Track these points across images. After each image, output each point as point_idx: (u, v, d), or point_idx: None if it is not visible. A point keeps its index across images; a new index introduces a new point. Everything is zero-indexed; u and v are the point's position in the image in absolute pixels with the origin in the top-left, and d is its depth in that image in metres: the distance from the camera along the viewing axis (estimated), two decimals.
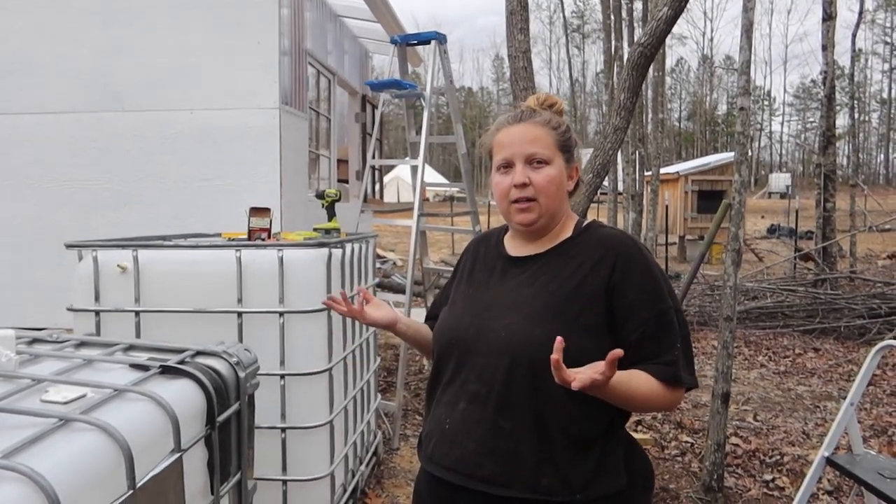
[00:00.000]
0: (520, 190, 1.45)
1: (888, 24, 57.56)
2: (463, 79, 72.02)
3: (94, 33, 4.96)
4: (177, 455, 1.58)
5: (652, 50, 3.83)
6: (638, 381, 1.33)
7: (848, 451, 2.71)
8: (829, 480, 3.72)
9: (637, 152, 13.31)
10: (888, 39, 58.32)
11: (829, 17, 10.31)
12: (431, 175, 36.27)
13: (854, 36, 13.26)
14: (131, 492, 1.39)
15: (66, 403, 1.48)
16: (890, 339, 5.36)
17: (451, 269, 1.75)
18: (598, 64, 52.53)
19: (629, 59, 3.87)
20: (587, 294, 1.39)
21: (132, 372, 1.74)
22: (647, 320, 1.37)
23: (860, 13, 13.37)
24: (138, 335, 2.65)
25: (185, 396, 1.69)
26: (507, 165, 1.47)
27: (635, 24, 13.40)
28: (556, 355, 1.15)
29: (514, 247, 1.55)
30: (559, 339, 1.15)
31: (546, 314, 1.38)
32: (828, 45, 10.33)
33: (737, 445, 4.28)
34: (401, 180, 31.29)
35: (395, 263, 12.98)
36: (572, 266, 1.43)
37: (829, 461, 2.53)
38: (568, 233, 1.51)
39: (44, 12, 5.00)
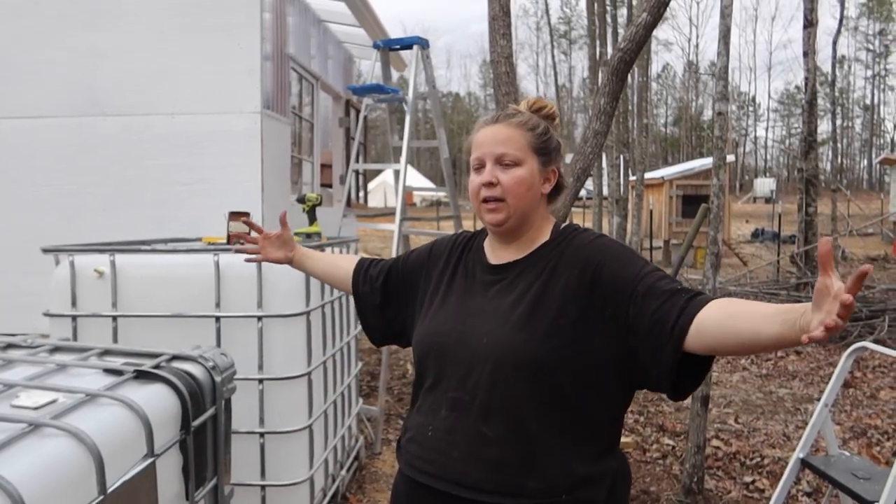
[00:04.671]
0: (488, 189, 1.44)
1: (870, 32, 58.34)
2: (450, 84, 72.22)
3: (73, 38, 4.93)
4: (150, 460, 1.58)
5: (632, 55, 3.85)
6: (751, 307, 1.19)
7: (825, 452, 2.74)
8: (808, 482, 3.76)
9: (622, 157, 13.39)
10: (870, 46, 59.11)
11: (810, 23, 10.42)
12: (418, 180, 36.29)
13: (835, 43, 13.42)
14: (102, 497, 1.39)
15: (36, 409, 1.47)
16: (869, 341, 5.42)
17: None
18: (584, 69, 52.77)
19: (609, 63, 3.90)
20: (565, 296, 1.38)
21: (106, 377, 1.73)
22: (634, 289, 1.32)
23: (840, 20, 13.54)
24: (115, 340, 2.63)
25: (158, 401, 1.69)
26: (480, 165, 1.47)
27: (619, 30, 13.50)
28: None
29: (494, 252, 1.54)
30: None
31: (527, 321, 1.38)
32: (809, 52, 10.45)
33: (718, 448, 4.31)
34: (387, 185, 31.29)
35: None
36: (550, 272, 1.43)
37: (805, 462, 2.56)
38: (545, 237, 1.50)
39: (23, 17, 4.97)
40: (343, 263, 1.88)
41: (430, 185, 33.80)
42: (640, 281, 1.33)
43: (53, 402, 1.51)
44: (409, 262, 1.71)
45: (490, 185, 1.44)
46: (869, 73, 60.73)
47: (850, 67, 59.21)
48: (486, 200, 1.45)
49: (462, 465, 1.39)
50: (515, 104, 1.57)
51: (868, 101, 61.57)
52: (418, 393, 1.54)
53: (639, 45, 3.75)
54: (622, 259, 1.39)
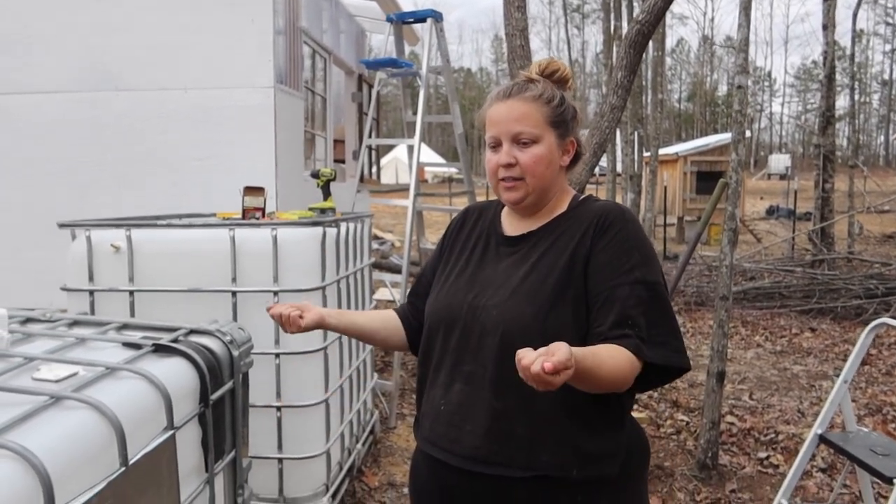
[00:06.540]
0: (506, 170, 1.43)
1: (889, 5, 57.16)
2: (462, 59, 71.58)
3: (86, 12, 4.91)
4: (170, 433, 1.58)
5: (650, 27, 3.79)
6: (605, 352, 1.25)
7: (842, 429, 2.72)
8: (822, 458, 3.75)
9: (636, 133, 13.26)
10: (889, 20, 57.96)
11: None
12: (429, 156, 36.11)
13: (855, 16, 13.15)
14: (123, 469, 1.39)
15: (57, 381, 1.47)
16: (887, 318, 5.38)
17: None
18: (597, 44, 52.00)
19: (626, 36, 3.83)
20: (574, 266, 1.38)
21: (125, 350, 1.73)
22: (602, 290, 1.35)
23: None
24: (132, 315, 2.64)
25: (177, 374, 1.69)
26: (496, 144, 1.44)
27: (634, 3, 13.28)
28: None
29: (511, 224, 1.53)
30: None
31: (536, 291, 1.37)
32: (828, 25, 10.25)
33: (732, 424, 4.30)
34: (399, 161, 31.13)
35: (393, 244, 12.96)
36: (563, 241, 1.42)
37: (823, 438, 2.54)
38: (563, 208, 1.48)
39: None
40: (378, 315, 1.73)
41: (441, 161, 33.66)
42: (612, 288, 1.34)
43: (74, 375, 1.51)
44: (431, 263, 1.67)
45: (508, 165, 1.42)
46: (888, 47, 59.62)
47: (868, 42, 58.12)
48: (504, 179, 1.44)
49: (474, 438, 1.39)
50: (526, 70, 1.52)
51: (886, 76, 60.56)
52: (426, 364, 1.53)
53: (657, 17, 3.69)
54: (617, 251, 1.37)
